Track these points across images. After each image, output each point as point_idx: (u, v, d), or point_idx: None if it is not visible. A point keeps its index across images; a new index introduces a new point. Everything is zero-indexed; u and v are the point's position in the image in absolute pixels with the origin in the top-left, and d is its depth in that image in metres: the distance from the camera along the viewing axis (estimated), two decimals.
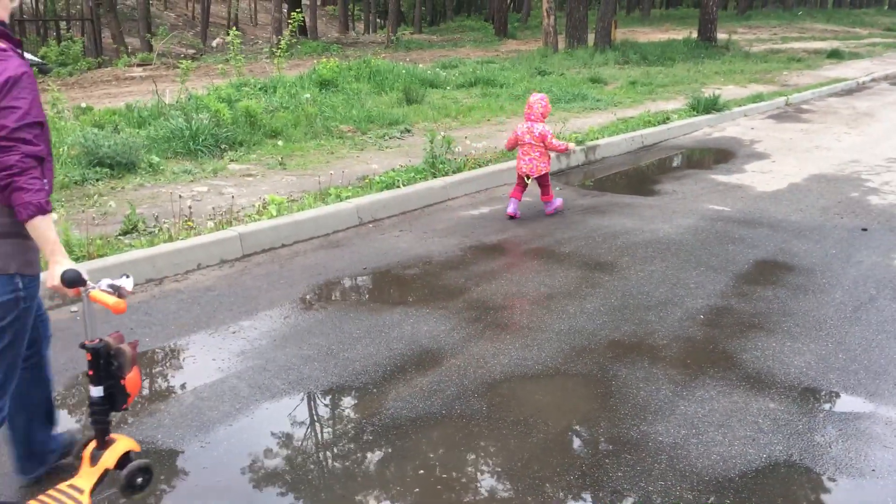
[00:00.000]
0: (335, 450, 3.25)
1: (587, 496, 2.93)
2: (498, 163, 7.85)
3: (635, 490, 2.95)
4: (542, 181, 6.57)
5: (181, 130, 7.91)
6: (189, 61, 12.60)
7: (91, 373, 2.66)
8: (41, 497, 2.64)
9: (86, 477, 2.69)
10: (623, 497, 2.92)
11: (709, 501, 2.88)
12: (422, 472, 3.07)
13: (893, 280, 5.08)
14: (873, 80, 16.76)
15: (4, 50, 2.45)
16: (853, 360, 3.98)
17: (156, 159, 7.32)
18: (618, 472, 3.06)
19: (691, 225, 6.30)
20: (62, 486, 2.67)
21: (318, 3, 49.60)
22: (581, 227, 6.28)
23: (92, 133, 7.36)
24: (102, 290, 2.57)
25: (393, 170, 7.35)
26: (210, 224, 5.54)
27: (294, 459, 3.19)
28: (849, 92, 15.05)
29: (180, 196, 6.34)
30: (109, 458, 2.72)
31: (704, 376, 3.82)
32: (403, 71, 13.54)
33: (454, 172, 7.32)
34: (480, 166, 7.69)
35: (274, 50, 12.28)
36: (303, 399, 3.62)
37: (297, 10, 16.00)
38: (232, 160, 7.74)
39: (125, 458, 2.75)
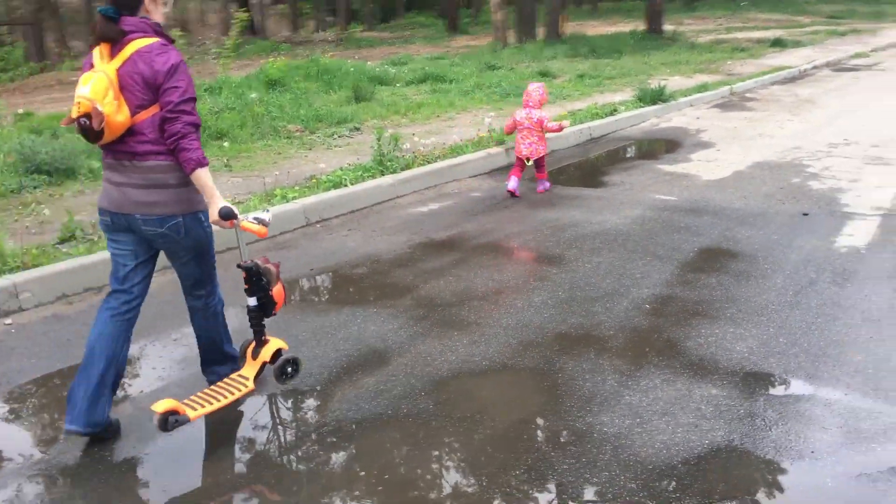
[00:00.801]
0: (278, 455, 3.21)
1: (532, 491, 2.93)
2: (447, 158, 7.84)
3: (580, 482, 2.96)
4: (540, 162, 7.13)
5: None
6: None
7: (247, 287, 3.47)
8: (218, 385, 3.41)
9: (249, 368, 3.51)
10: (568, 489, 2.93)
11: (652, 489, 2.90)
12: (364, 473, 3.04)
13: (833, 263, 5.18)
14: (815, 67, 17.11)
15: (166, 44, 3.10)
16: (793, 343, 4.05)
17: (97, 165, 7.16)
18: (563, 465, 3.06)
19: (638, 215, 6.36)
20: (232, 376, 3.48)
21: (268, 1, 49.00)
22: (530, 221, 6.30)
23: (29, 140, 7.17)
24: (249, 222, 3.33)
25: (341, 168, 7.30)
26: None
27: (236, 467, 3.14)
28: (791, 80, 15.35)
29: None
30: (266, 353, 3.53)
31: (649, 365, 3.86)
32: (352, 69, 13.47)
33: (403, 170, 7.29)
34: (429, 163, 7.67)
35: (221, 50, 12.10)
36: (244, 405, 3.57)
37: (244, 9, 15.76)
38: None
39: (277, 354, 3.55)
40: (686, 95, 12.33)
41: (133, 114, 3.05)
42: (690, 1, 44.66)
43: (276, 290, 3.50)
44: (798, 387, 3.63)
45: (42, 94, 14.60)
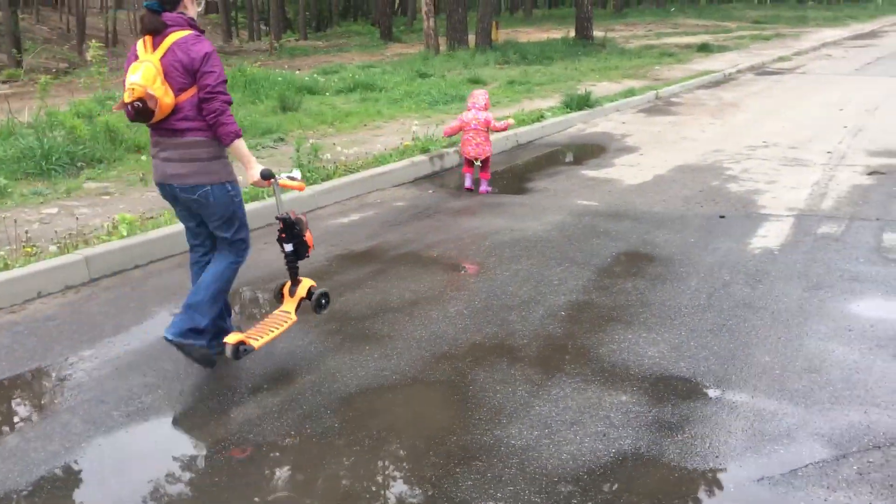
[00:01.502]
0: (174, 485, 3.06)
1: None
2: (370, 168, 7.74)
3: (484, 498, 2.89)
4: (486, 162, 7.43)
5: (32, 149, 7.45)
6: (49, 77, 11.99)
7: (283, 235, 4.03)
8: (264, 320, 4.03)
9: (289, 304, 4.11)
10: None
11: (556, 501, 2.85)
12: (258, 499, 2.92)
13: (746, 265, 5.25)
14: (739, 71, 17.53)
15: (199, 35, 3.63)
16: (703, 346, 4.06)
17: (2, 181, 6.86)
18: (468, 481, 2.99)
19: (559, 221, 6.36)
20: (275, 312, 4.09)
21: (201, 11, 48.16)
22: (452, 230, 6.24)
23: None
24: (287, 179, 3.88)
25: None
26: (53, 248, 5.20)
27: (127, 499, 2.98)
28: (716, 83, 15.68)
29: (25, 220, 5.95)
30: (301, 291, 4.12)
31: (561, 374, 3.82)
32: (280, 78, 13.25)
33: (323, 180, 7.16)
34: (352, 172, 7.55)
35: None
36: (141, 431, 3.40)
37: None
38: (89, 178, 7.34)
39: (310, 291, 4.11)
40: (613, 101, 12.47)
41: (175, 95, 3.57)
42: (621, 7, 45.54)
43: (308, 236, 4.10)
44: (706, 390, 3.63)
45: None
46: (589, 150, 9.48)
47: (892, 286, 4.83)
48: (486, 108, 7.44)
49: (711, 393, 3.61)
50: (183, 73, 3.56)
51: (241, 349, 3.74)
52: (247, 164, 3.70)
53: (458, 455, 3.18)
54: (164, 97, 3.53)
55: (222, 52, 26.53)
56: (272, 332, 3.93)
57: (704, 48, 21.66)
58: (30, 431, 3.38)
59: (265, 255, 5.63)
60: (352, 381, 3.78)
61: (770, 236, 5.83)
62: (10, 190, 6.79)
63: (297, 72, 15.24)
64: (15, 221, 5.77)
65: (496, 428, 3.35)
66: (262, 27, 43.76)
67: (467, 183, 7.44)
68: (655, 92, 13.56)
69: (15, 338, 4.27)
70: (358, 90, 13.40)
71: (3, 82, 18.82)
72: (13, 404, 3.67)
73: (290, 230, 4.03)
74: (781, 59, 20.30)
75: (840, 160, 8.36)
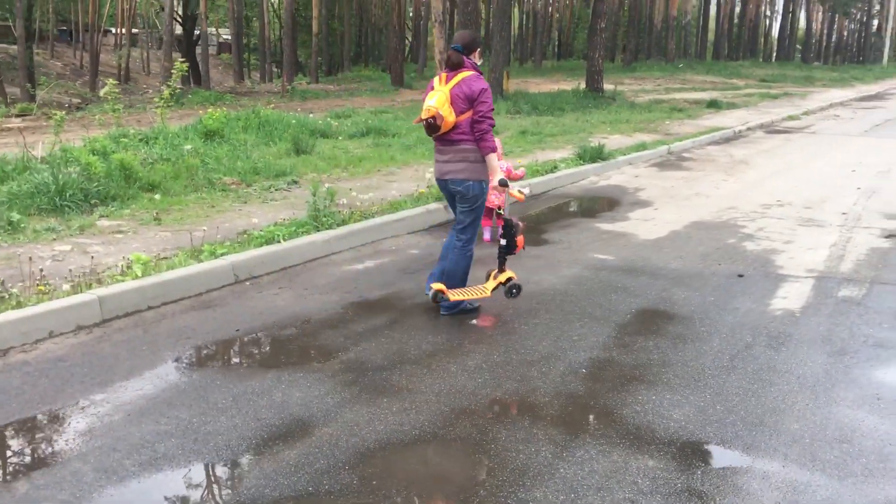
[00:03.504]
0: None
1: None
2: (385, 214, 7.71)
3: None
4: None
5: (46, 185, 7.44)
6: (63, 112, 12.07)
7: (502, 232, 5.37)
8: (469, 288, 5.35)
9: (490, 283, 5.37)
10: None
11: None
12: None
13: (768, 326, 5.17)
14: (749, 128, 17.64)
15: (479, 76, 5.12)
16: (730, 410, 3.96)
17: (16, 216, 6.83)
18: None
19: (576, 275, 6.30)
20: (478, 286, 5.37)
21: (213, 51, 48.89)
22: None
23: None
24: (515, 192, 5.31)
25: (275, 224, 7.10)
26: (66, 287, 5.14)
27: None
28: (726, 140, 15.76)
29: (38, 257, 5.90)
30: (502, 277, 5.40)
31: (585, 435, 3.72)
32: (294, 121, 13.34)
33: (339, 225, 7.12)
34: (367, 218, 7.52)
35: (159, 99, 11.87)
36: (154, 482, 3.30)
37: (185, 60, 15.57)
38: (102, 216, 7.31)
39: (508, 279, 5.40)
40: (625, 154, 12.51)
41: (456, 116, 4.99)
42: (630, 61, 46.12)
43: (520, 239, 5.40)
44: (735, 458, 3.53)
45: None
46: (603, 203, 9.47)
47: None
48: (501, 157, 7.43)
49: (741, 461, 3.50)
50: (464, 100, 4.98)
51: (439, 296, 5.20)
52: (492, 172, 5.06)
53: None
54: (448, 117, 4.97)
55: (234, 93, 26.85)
56: (468, 295, 5.27)
57: (714, 104, 21.84)
58: (40, 478, 3.27)
59: (278, 300, 5.57)
60: (370, 436, 3.68)
61: (790, 297, 5.76)
62: (23, 225, 6.76)
63: (311, 115, 15.33)
64: (30, 259, 5.71)
65: (520, 490, 3.24)
66: (274, 69, 44.34)
67: (486, 235, 7.40)
68: (667, 146, 13.61)
69: (26, 378, 4.18)
70: (371, 135, 13.48)
71: (17, 116, 18.99)
72: (23, 448, 3.57)
73: (509, 230, 5.35)
74: (790, 117, 20.45)
75: (856, 222, 8.32)
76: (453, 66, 5.08)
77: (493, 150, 4.99)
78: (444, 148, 5.14)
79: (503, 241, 5.35)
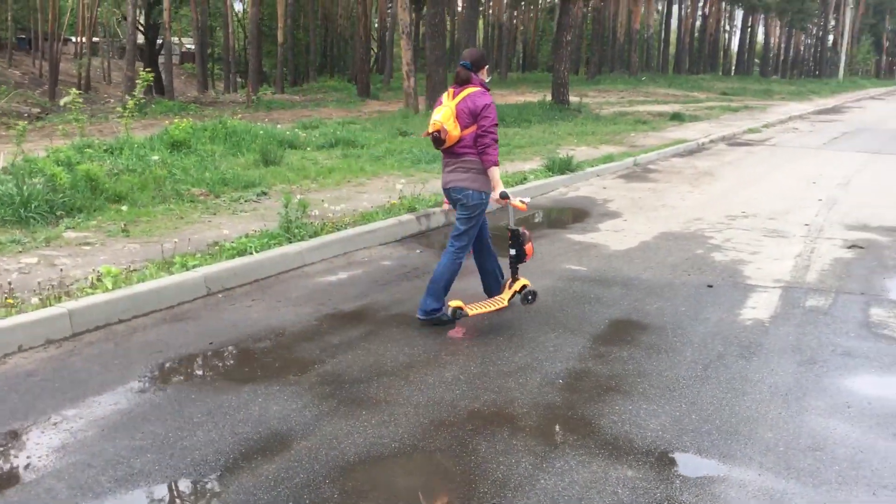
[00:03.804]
0: None
1: None
2: (357, 225, 7.69)
3: None
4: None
5: (10, 196, 7.29)
6: (25, 122, 11.84)
7: (510, 242, 5.55)
8: (486, 301, 5.53)
9: (506, 293, 5.55)
10: None
11: None
12: None
13: (738, 336, 5.25)
14: (712, 141, 17.93)
15: (484, 92, 5.25)
16: (705, 420, 4.02)
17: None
18: None
19: (549, 286, 6.34)
20: (495, 297, 5.56)
21: (177, 61, 48.37)
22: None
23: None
24: (517, 202, 5.31)
25: (246, 235, 7.04)
26: (35, 300, 5.04)
27: None
28: (690, 153, 16.00)
29: (4, 269, 5.77)
30: (517, 286, 5.56)
31: (564, 445, 3.74)
32: (261, 132, 13.24)
33: (311, 237, 7.09)
34: (339, 229, 7.49)
35: (123, 109, 11.70)
36: (130, 499, 3.24)
37: (150, 69, 15.39)
38: (69, 227, 7.19)
39: (523, 287, 5.56)
40: (593, 165, 12.64)
41: (461, 130, 5.17)
42: (594, 74, 46.65)
43: (528, 247, 5.59)
44: (712, 467, 3.58)
45: None
46: (573, 214, 9.55)
47: (885, 362, 4.86)
48: None
49: (718, 470, 3.55)
50: (469, 115, 5.15)
51: (457, 312, 5.27)
52: (495, 185, 5.20)
53: None
54: (453, 131, 5.15)
55: (198, 103, 26.60)
56: (485, 308, 5.40)
57: (677, 117, 22.17)
58: (13, 496, 3.20)
59: (252, 313, 5.52)
60: (350, 449, 3.66)
61: (759, 307, 5.86)
62: None
63: (278, 126, 15.24)
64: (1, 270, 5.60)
65: (502, 502, 3.25)
66: (238, 79, 43.99)
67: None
68: (634, 158, 13.78)
69: None
70: (339, 146, 13.44)
71: None
72: None
73: (516, 239, 5.52)
74: (751, 130, 20.83)
75: (819, 232, 8.50)
76: (461, 83, 5.25)
77: (496, 163, 5.14)
78: (449, 160, 5.34)
79: (513, 252, 5.53)
